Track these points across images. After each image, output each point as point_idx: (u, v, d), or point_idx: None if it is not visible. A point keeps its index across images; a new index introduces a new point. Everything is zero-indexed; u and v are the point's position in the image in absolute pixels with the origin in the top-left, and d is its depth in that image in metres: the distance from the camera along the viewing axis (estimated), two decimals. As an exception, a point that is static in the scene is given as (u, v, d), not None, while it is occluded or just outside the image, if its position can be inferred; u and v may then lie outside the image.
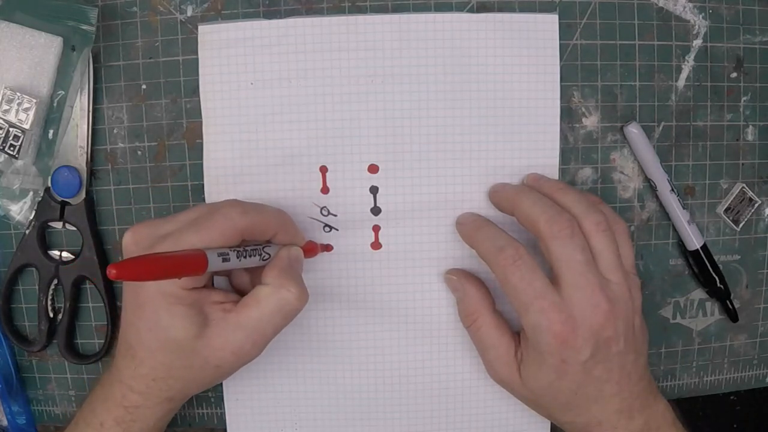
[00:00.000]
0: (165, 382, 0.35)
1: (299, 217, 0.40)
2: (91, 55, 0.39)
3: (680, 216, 0.41)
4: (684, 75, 0.42)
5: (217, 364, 0.35)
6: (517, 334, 0.38)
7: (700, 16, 0.41)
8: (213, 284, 0.39)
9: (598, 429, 0.35)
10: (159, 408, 0.36)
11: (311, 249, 0.38)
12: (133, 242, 0.34)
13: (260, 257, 0.35)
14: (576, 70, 0.41)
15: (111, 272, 0.27)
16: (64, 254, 0.41)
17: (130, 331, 0.35)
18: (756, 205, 0.43)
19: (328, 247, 0.40)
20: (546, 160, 0.40)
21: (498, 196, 0.39)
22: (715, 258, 0.42)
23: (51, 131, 0.39)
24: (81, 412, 0.37)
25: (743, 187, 0.43)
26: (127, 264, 0.28)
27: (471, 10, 0.40)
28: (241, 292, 0.38)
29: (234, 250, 0.33)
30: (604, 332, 0.33)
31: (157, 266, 0.29)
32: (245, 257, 0.34)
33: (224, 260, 0.32)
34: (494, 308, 0.38)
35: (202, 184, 0.40)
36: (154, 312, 0.34)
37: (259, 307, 0.34)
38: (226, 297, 0.36)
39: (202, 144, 0.40)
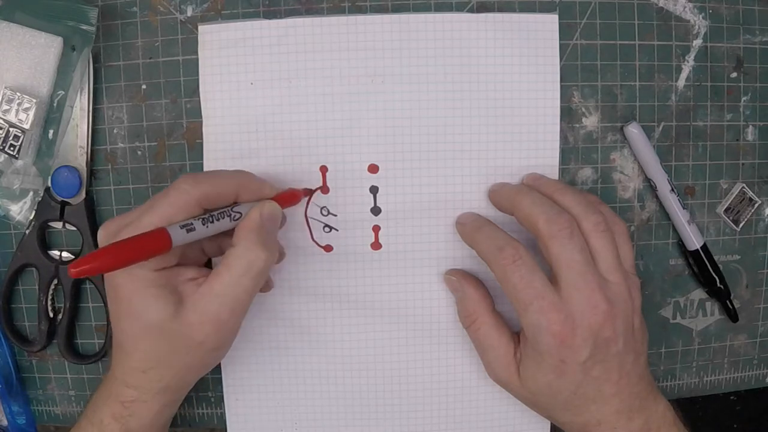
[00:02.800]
0: (156, 372, 0.35)
1: (299, 217, 0.40)
2: (91, 55, 0.39)
3: (680, 216, 0.41)
4: (684, 75, 0.42)
5: (200, 340, 0.34)
6: (516, 334, 0.38)
7: (700, 16, 0.41)
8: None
9: (598, 429, 0.35)
10: (155, 401, 0.36)
11: (291, 196, 0.37)
12: (103, 235, 0.34)
13: (230, 218, 0.34)
14: (576, 70, 0.41)
15: (71, 271, 0.27)
16: (64, 254, 0.41)
17: (116, 327, 0.35)
18: (756, 205, 0.43)
19: (306, 192, 0.39)
20: (546, 160, 0.40)
21: (497, 195, 0.39)
22: (715, 258, 0.42)
23: (51, 131, 0.39)
24: (84, 411, 0.37)
25: (743, 187, 0.43)
26: (86, 259, 0.28)
27: (471, 10, 0.40)
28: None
29: (198, 218, 0.33)
30: (603, 332, 0.33)
31: (120, 253, 0.29)
32: (212, 222, 0.33)
33: (189, 230, 0.32)
34: (493, 309, 0.38)
35: (202, 184, 0.40)
36: (128, 300, 0.33)
37: (229, 271, 0.33)
38: (200, 272, 0.35)
39: (202, 144, 0.40)
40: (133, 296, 0.33)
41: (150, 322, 0.33)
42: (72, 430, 0.37)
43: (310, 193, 0.39)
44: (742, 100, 0.42)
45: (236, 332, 0.36)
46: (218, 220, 0.33)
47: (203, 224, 0.33)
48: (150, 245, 0.30)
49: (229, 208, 0.34)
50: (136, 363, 0.35)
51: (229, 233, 0.35)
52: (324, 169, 0.40)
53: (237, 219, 0.34)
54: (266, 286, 0.39)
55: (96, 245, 0.40)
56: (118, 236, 0.32)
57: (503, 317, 0.38)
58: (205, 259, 0.38)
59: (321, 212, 0.40)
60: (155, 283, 0.33)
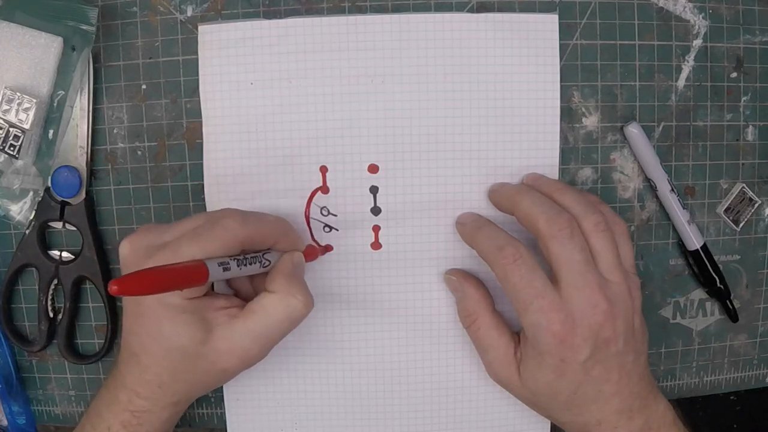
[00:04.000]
0: (171, 387, 0.35)
1: (299, 217, 0.40)
2: (91, 55, 0.39)
3: (680, 216, 0.41)
4: (684, 75, 0.42)
5: (224, 368, 0.35)
6: (516, 334, 0.38)
7: (700, 16, 0.41)
8: (213, 288, 0.39)
9: (598, 429, 0.35)
10: (165, 411, 0.36)
11: (311, 253, 0.39)
12: (130, 252, 0.34)
13: (260, 264, 0.35)
14: (576, 70, 0.41)
15: (113, 288, 0.27)
16: (64, 254, 0.41)
17: (132, 339, 0.35)
18: (756, 205, 0.43)
19: (327, 248, 0.40)
20: (546, 160, 0.40)
21: (497, 195, 0.39)
22: (715, 258, 0.42)
23: (51, 131, 0.39)
24: (87, 415, 0.37)
25: (743, 187, 0.43)
26: (128, 279, 0.28)
27: (471, 10, 0.40)
28: (239, 294, 0.38)
29: (234, 259, 0.33)
30: (603, 332, 0.33)
31: (159, 279, 0.29)
32: (246, 265, 0.34)
33: (225, 269, 0.32)
34: (494, 309, 0.38)
35: (202, 184, 0.40)
36: (156, 321, 0.34)
37: (266, 314, 0.34)
38: (230, 302, 0.36)
39: (202, 144, 0.40)
40: (163, 320, 0.34)
41: (177, 346, 0.34)
42: None
43: (324, 251, 0.40)
44: (742, 100, 0.42)
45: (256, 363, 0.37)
46: (251, 264, 0.34)
47: (238, 265, 0.33)
48: (189, 277, 0.31)
49: (261, 255, 0.35)
50: (152, 377, 0.35)
51: (250, 276, 0.37)
52: (324, 169, 0.40)
53: (266, 266, 0.35)
54: None
55: (96, 245, 0.40)
56: (154, 257, 0.32)
57: (503, 317, 0.38)
58: (229, 289, 0.39)
59: (321, 212, 0.40)
60: (186, 309, 0.34)
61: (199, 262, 0.31)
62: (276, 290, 0.34)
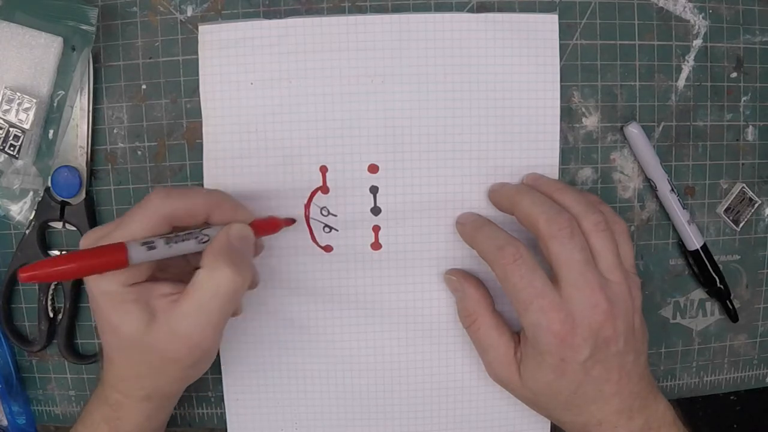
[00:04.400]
0: (135, 381, 0.35)
1: (299, 217, 0.40)
2: (91, 55, 0.39)
3: (680, 216, 0.41)
4: (684, 75, 0.42)
5: (175, 358, 0.34)
6: (516, 334, 0.38)
7: (700, 16, 0.41)
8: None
9: (598, 429, 0.35)
10: (140, 407, 0.36)
11: (272, 224, 0.37)
12: (82, 246, 0.34)
13: (197, 240, 0.33)
14: (576, 70, 0.41)
15: (21, 276, 0.27)
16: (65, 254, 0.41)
17: (100, 336, 0.36)
18: (756, 205, 0.43)
19: (288, 222, 0.39)
20: (546, 160, 0.40)
21: (497, 195, 0.39)
22: (715, 258, 0.42)
23: (51, 131, 0.39)
24: (80, 414, 0.38)
25: (743, 187, 0.43)
26: (37, 265, 0.28)
27: (471, 10, 0.40)
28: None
29: (162, 237, 0.32)
30: (604, 332, 0.33)
31: (73, 264, 0.29)
32: (176, 242, 0.32)
33: (150, 249, 0.31)
34: (494, 308, 0.38)
35: (202, 184, 0.40)
36: (103, 313, 0.33)
37: (195, 293, 0.32)
38: (175, 288, 0.34)
39: (202, 144, 0.40)
40: (108, 310, 0.33)
41: (123, 336, 0.33)
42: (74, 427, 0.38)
43: (291, 223, 0.39)
44: (742, 100, 0.42)
45: (213, 351, 0.36)
46: (183, 241, 0.33)
47: (166, 244, 0.32)
48: (107, 259, 0.30)
49: (198, 230, 0.34)
50: (118, 371, 0.35)
51: (195, 257, 0.34)
52: (324, 169, 0.40)
53: (205, 242, 0.33)
54: (236, 310, 0.38)
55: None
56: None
57: (503, 317, 0.38)
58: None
59: (321, 212, 0.40)
60: (126, 298, 0.33)
61: (119, 243, 0.31)
62: (203, 265, 0.33)
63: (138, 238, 0.32)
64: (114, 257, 0.30)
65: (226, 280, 0.32)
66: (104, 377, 0.36)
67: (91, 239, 0.33)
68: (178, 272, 0.36)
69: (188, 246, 0.33)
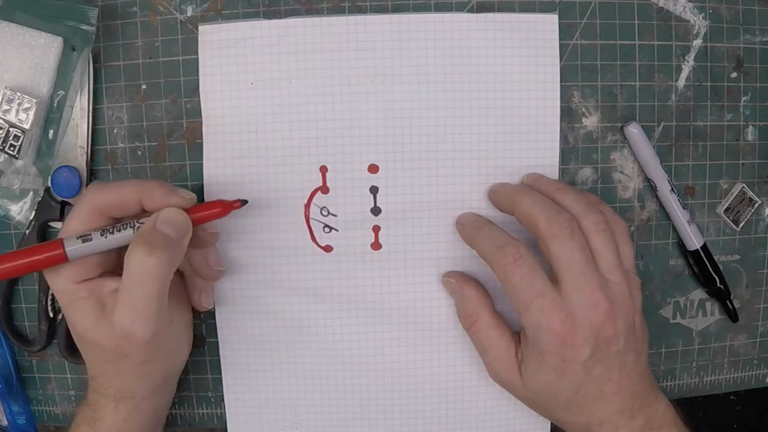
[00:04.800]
0: (102, 379, 0.36)
1: (298, 217, 0.40)
2: (91, 55, 0.39)
3: (680, 216, 0.41)
4: (684, 75, 0.42)
5: (123, 353, 0.34)
6: (517, 334, 0.38)
7: (700, 16, 0.41)
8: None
9: (599, 429, 0.35)
10: (114, 407, 0.36)
11: (213, 206, 0.35)
12: None
13: (134, 230, 0.33)
14: (576, 70, 0.41)
15: None
16: (64, 254, 0.41)
17: None
18: (756, 205, 0.43)
19: (236, 204, 0.36)
20: (546, 160, 0.40)
21: (497, 195, 0.39)
22: (715, 258, 0.42)
23: (51, 131, 0.39)
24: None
25: (743, 187, 0.43)
26: None
27: (471, 10, 0.40)
28: None
29: (98, 230, 0.33)
30: (604, 331, 0.33)
31: (11, 263, 0.31)
32: (112, 233, 0.33)
33: (85, 241, 0.32)
34: (493, 309, 0.38)
35: (202, 184, 0.40)
36: (65, 310, 0.35)
37: (123, 279, 0.32)
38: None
39: (202, 144, 0.40)
40: (66, 308, 0.34)
41: (79, 333, 0.34)
42: None
43: (240, 204, 0.36)
44: (742, 100, 0.42)
45: (166, 345, 0.36)
46: (119, 231, 0.33)
47: (102, 235, 0.33)
48: (44, 256, 0.32)
49: (135, 220, 0.34)
50: (89, 370, 0.36)
51: None
52: (324, 169, 0.40)
53: None
54: (200, 303, 0.39)
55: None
56: None
57: (503, 317, 0.38)
58: None
59: (321, 212, 0.40)
60: (77, 295, 0.33)
61: (56, 240, 0.32)
62: (127, 252, 0.32)
63: (77, 233, 0.33)
64: (51, 253, 0.32)
65: (139, 263, 0.31)
66: (87, 378, 0.37)
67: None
68: None
69: (126, 235, 0.33)
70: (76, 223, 0.33)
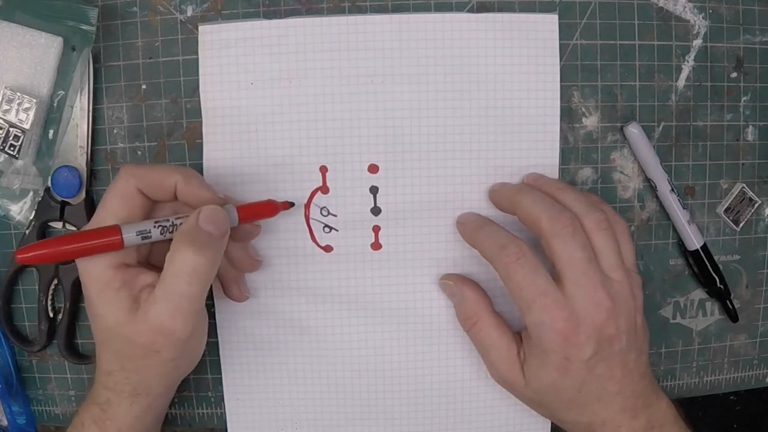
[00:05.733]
0: (120, 375, 0.35)
1: (298, 217, 0.40)
2: (91, 55, 0.39)
3: (680, 216, 0.41)
4: (684, 75, 0.42)
5: (155, 349, 0.33)
6: (518, 334, 0.38)
7: (700, 16, 0.41)
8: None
9: (602, 428, 0.35)
10: (128, 404, 0.35)
11: (263, 207, 0.37)
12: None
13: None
14: (576, 70, 0.41)
15: (18, 257, 0.27)
16: (64, 254, 0.41)
17: (91, 326, 0.35)
18: (756, 205, 0.43)
19: (285, 205, 0.38)
20: (546, 160, 0.40)
21: (498, 195, 0.39)
22: (715, 258, 0.42)
23: (51, 131, 0.39)
24: (74, 415, 0.37)
25: (743, 187, 0.43)
26: (33, 246, 0.28)
27: (471, 10, 0.40)
28: None
29: (158, 226, 0.33)
30: (607, 330, 0.33)
31: (68, 245, 0.30)
32: (171, 232, 0.33)
33: (144, 238, 0.32)
34: (493, 309, 0.38)
35: (202, 184, 0.40)
36: (92, 301, 0.34)
37: (163, 276, 0.32)
38: (158, 278, 0.33)
39: (202, 144, 0.40)
40: (94, 297, 0.33)
41: (106, 326, 0.33)
42: None
43: (289, 206, 0.38)
44: (742, 100, 0.42)
45: (194, 344, 0.36)
46: (172, 231, 0.33)
47: (161, 233, 0.33)
48: (101, 242, 0.31)
49: (175, 217, 0.34)
50: (104, 364, 0.35)
51: None
52: (324, 169, 0.40)
53: None
54: (237, 295, 0.39)
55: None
56: None
57: (503, 317, 0.38)
58: None
59: (321, 212, 0.40)
60: (111, 285, 0.33)
61: (113, 226, 0.31)
62: (171, 248, 0.32)
63: (117, 214, 0.32)
64: (109, 239, 0.31)
65: (186, 261, 0.32)
66: (95, 375, 0.36)
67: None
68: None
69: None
70: (116, 203, 0.33)
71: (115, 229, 0.32)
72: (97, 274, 0.33)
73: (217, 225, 0.33)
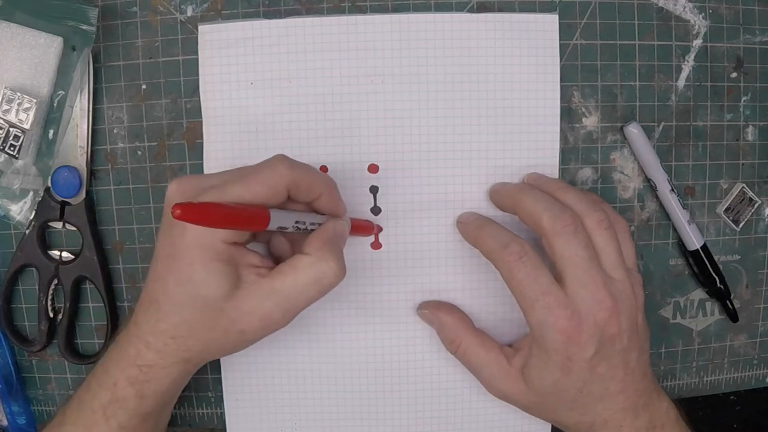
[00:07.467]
0: (184, 342, 0.34)
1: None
2: (91, 55, 0.39)
3: (680, 216, 0.41)
4: (684, 75, 0.42)
5: (243, 329, 0.33)
6: (506, 346, 0.38)
7: (700, 16, 0.41)
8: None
9: (604, 428, 0.35)
10: (174, 368, 0.35)
11: (364, 227, 0.39)
12: (177, 192, 0.33)
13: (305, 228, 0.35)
14: (576, 70, 0.41)
15: (176, 212, 0.26)
16: (64, 254, 0.41)
17: (156, 286, 0.34)
18: (756, 205, 0.43)
19: (378, 228, 0.40)
20: (546, 160, 0.40)
21: (499, 195, 0.39)
22: (715, 258, 0.42)
23: (51, 131, 0.39)
24: (93, 373, 0.36)
25: (743, 187, 0.43)
26: (192, 206, 0.27)
27: (471, 10, 0.40)
28: (278, 260, 0.36)
29: (295, 226, 0.33)
30: (609, 328, 0.33)
31: (221, 214, 0.29)
32: (300, 231, 0.34)
33: (279, 229, 0.33)
34: (474, 328, 0.39)
35: (202, 184, 0.40)
36: (189, 265, 0.32)
37: (295, 275, 0.33)
38: (262, 262, 0.34)
39: (202, 144, 0.40)
40: (196, 264, 0.32)
41: (202, 295, 0.33)
42: (79, 392, 0.36)
43: (380, 230, 0.40)
44: (742, 100, 0.42)
45: (277, 330, 0.35)
46: (302, 231, 0.34)
47: (293, 230, 0.34)
48: (250, 219, 0.31)
49: (318, 225, 0.35)
50: (167, 327, 0.34)
51: (290, 238, 0.36)
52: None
53: (303, 228, 0.34)
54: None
55: (96, 245, 0.40)
56: (200, 197, 0.32)
57: (486, 334, 0.38)
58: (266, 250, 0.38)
59: (321, 212, 0.40)
60: (221, 256, 0.32)
61: (262, 208, 0.31)
62: (310, 252, 0.33)
63: (259, 198, 0.32)
64: (256, 219, 0.31)
65: (331, 273, 0.33)
66: (139, 332, 0.34)
67: (187, 188, 0.33)
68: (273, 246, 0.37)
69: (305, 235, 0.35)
70: (261, 188, 0.32)
71: (264, 216, 0.31)
72: (211, 244, 0.32)
73: (343, 241, 0.36)
